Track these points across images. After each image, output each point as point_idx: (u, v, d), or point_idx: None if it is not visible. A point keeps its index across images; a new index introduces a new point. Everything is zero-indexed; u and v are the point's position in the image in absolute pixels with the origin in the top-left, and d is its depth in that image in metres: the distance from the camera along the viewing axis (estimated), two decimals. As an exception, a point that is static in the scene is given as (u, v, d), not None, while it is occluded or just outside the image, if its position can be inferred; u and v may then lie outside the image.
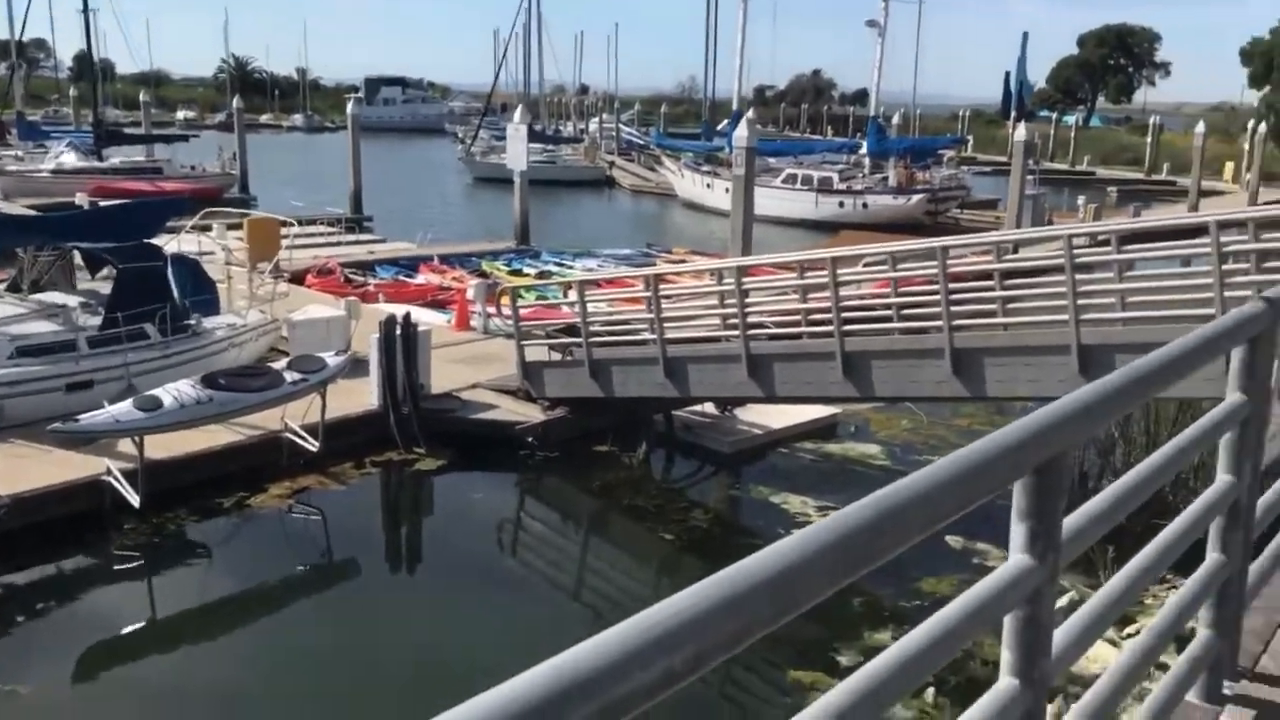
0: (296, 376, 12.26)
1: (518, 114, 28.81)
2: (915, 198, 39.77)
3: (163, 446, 11.86)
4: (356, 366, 14.58)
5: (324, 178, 42.61)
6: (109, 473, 11.17)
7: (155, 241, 16.03)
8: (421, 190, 50.35)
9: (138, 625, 10.13)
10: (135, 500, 10.94)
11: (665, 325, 13.14)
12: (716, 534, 11.75)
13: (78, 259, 16.00)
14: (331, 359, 12.82)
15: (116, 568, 10.90)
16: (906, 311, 11.82)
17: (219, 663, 9.71)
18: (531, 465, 13.63)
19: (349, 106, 35.08)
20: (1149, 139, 65.26)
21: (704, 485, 13.63)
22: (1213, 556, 2.85)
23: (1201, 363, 2.45)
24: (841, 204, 40.86)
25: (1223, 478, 2.81)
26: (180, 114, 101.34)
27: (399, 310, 20.35)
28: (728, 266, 12.58)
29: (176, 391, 11.28)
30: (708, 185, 45.22)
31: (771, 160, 47.13)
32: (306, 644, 9.88)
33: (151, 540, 11.05)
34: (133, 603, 10.48)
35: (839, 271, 11.63)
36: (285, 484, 12.50)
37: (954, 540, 11.24)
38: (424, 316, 19.90)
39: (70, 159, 39.51)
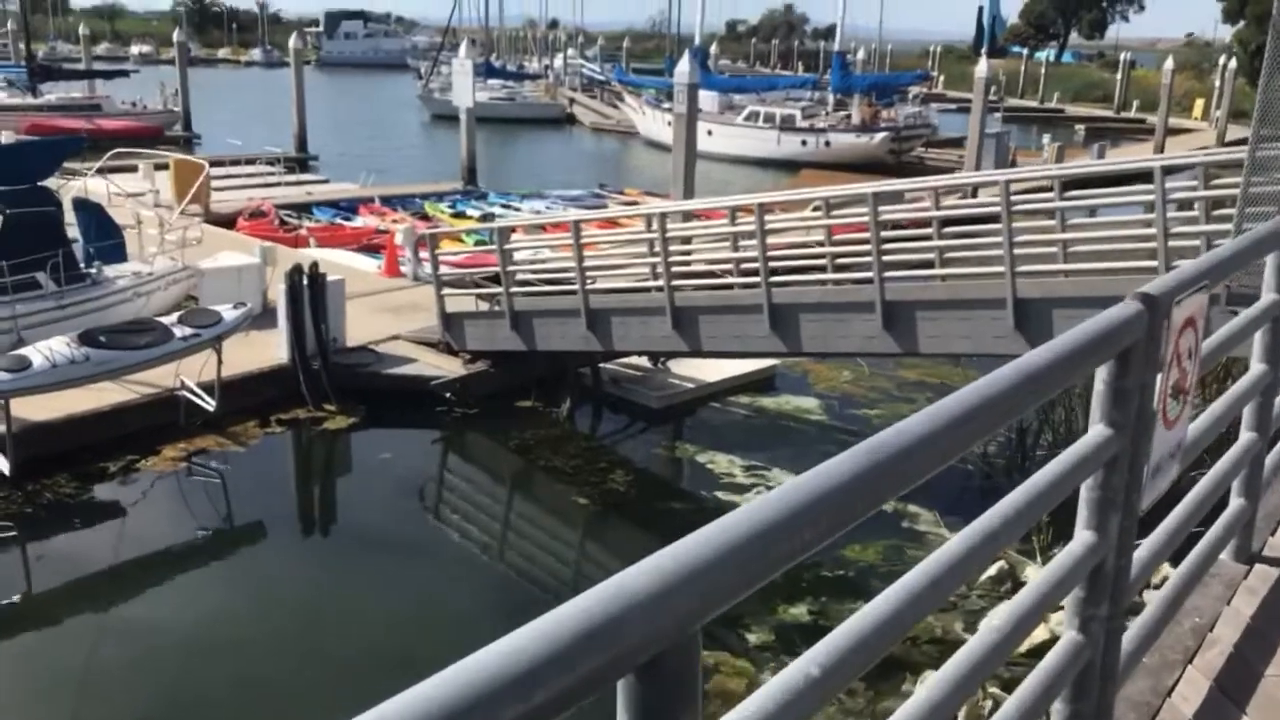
0: (188, 332, 11.41)
1: (463, 48, 27.62)
2: (878, 136, 38.85)
3: (44, 408, 11.04)
4: (268, 318, 13.77)
5: (276, 115, 41.06)
6: (-22, 438, 10.34)
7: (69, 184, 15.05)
8: (376, 128, 48.85)
9: (8, 601, 9.39)
10: (6, 467, 10.12)
11: (592, 275, 12.37)
12: (633, 497, 11.07)
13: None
14: (228, 312, 11.96)
15: (-12, 540, 10.13)
16: (840, 262, 11.11)
17: (105, 637, 9.05)
18: (449, 422, 12.90)
19: (291, 40, 33.56)
20: (1119, 75, 64.30)
21: (629, 443, 12.94)
22: (1069, 635, 2.15)
23: (1026, 404, 1.73)
24: (804, 142, 39.90)
25: (1082, 534, 2.10)
26: (135, 49, 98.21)
27: (331, 255, 19.59)
28: (652, 212, 11.77)
29: (49, 350, 10.43)
30: (669, 123, 44.01)
31: (736, 97, 46.09)
32: (203, 615, 9.19)
33: (24, 510, 10.26)
34: (6, 577, 9.73)
35: (768, 218, 10.87)
36: (180, 446, 11.72)
37: (887, 505, 10.65)
38: (353, 262, 19.05)
39: (1, 96, 37.82)
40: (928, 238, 10.55)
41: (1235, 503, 3.27)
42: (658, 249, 11.41)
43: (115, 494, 11.00)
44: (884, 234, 10.17)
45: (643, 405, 13.33)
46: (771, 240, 11.40)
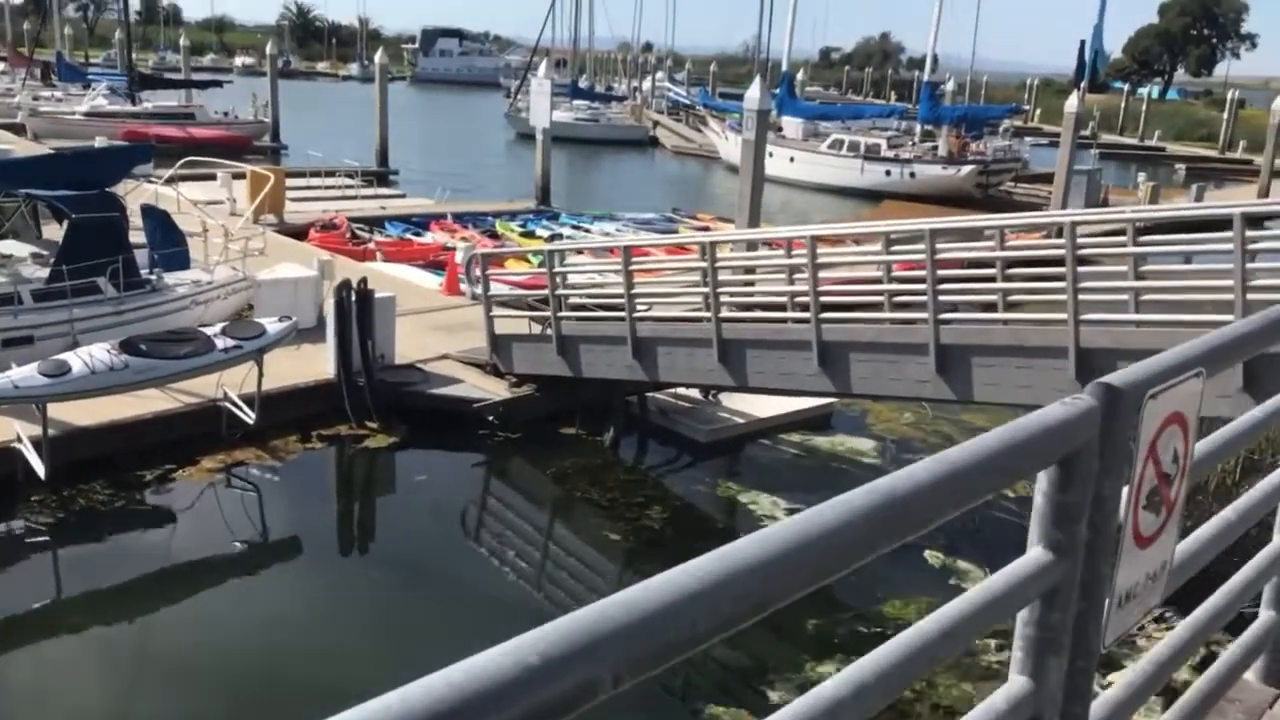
0: (230, 343, 11.38)
1: (542, 68, 27.63)
2: (965, 169, 37.91)
3: (86, 412, 11.09)
4: (322, 331, 13.72)
5: (364, 129, 41.73)
6: (18, 439, 10.39)
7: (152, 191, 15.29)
8: (461, 145, 49.38)
9: (37, 606, 9.36)
10: (41, 471, 10.15)
11: (645, 302, 12.07)
12: (668, 535, 10.66)
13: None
14: (272, 325, 11.91)
15: (21, 542, 10.13)
16: (898, 300, 10.58)
17: (127, 648, 9.00)
18: (491, 446, 12.66)
19: (378, 56, 34.17)
20: (1226, 114, 61.94)
21: (671, 477, 12.54)
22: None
23: (916, 525, 1.34)
24: (888, 172, 39.15)
25: (1014, 680, 1.68)
26: (239, 60, 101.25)
27: (395, 270, 19.64)
28: (703, 241, 11.41)
29: (88, 356, 10.46)
30: (751, 148, 43.64)
31: (821, 125, 45.58)
32: (231, 628, 9.08)
33: (57, 515, 10.27)
34: (34, 583, 9.71)
35: (822, 251, 10.43)
36: (219, 457, 11.68)
37: (931, 555, 10.09)
38: (416, 278, 19.06)
39: (102, 102, 39.15)
40: (992, 279, 10.00)
41: (1265, 615, 2.77)
42: (708, 278, 11.05)
43: (151, 503, 10.97)
44: (942, 273, 9.67)
45: (689, 438, 12.93)
46: (826, 275, 10.97)
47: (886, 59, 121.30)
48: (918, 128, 42.03)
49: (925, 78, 43.33)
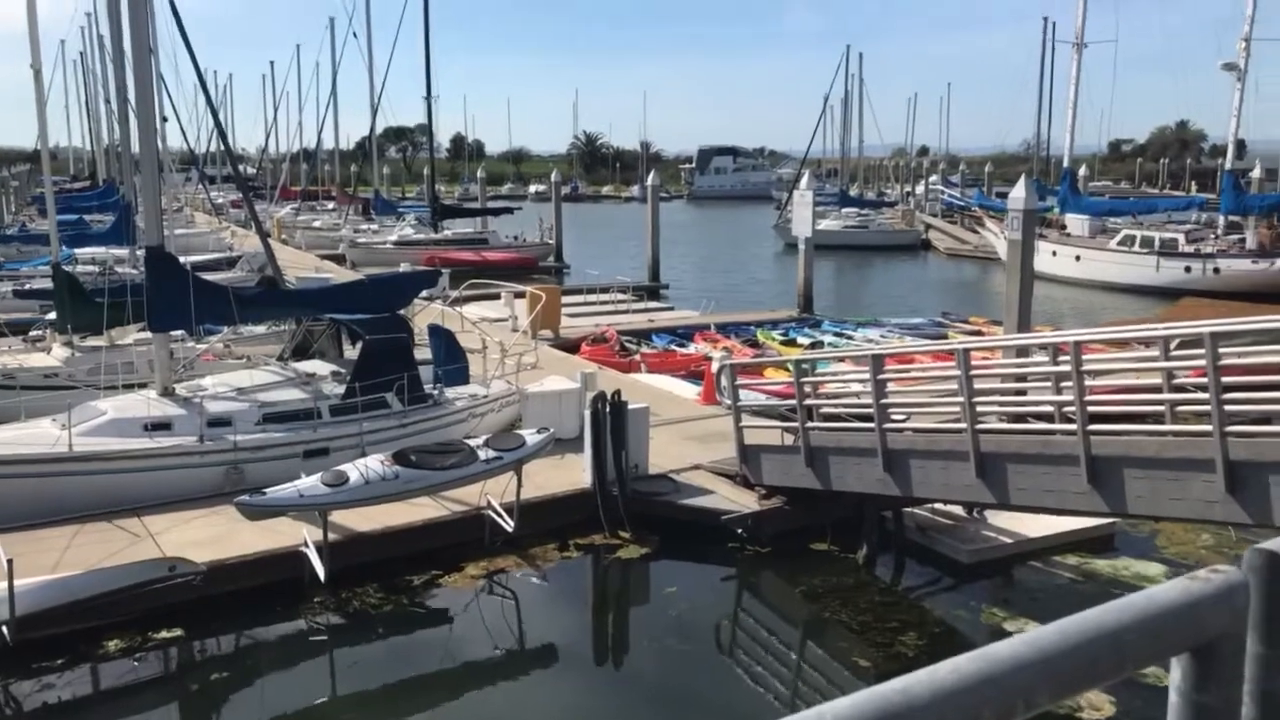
0: (491, 455, 11.97)
1: (804, 180, 27.91)
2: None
3: (364, 519, 11.93)
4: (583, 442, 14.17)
5: (639, 246, 43.78)
6: (305, 544, 11.31)
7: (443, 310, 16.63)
8: (730, 257, 50.50)
9: (317, 702, 10.01)
10: (322, 573, 10.97)
11: (901, 412, 11.63)
12: (923, 664, 9.88)
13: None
14: (531, 437, 12.43)
15: (305, 640, 10.93)
16: (1182, 410, 9.60)
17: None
18: (741, 560, 12.47)
19: (650, 178, 35.88)
20: None
21: (929, 600, 11.79)
22: None
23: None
24: (1188, 268, 36.20)
25: None
26: (532, 188, 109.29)
27: (656, 381, 20.10)
28: (956, 347, 10.87)
29: (364, 467, 11.30)
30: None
31: (1110, 221, 43.16)
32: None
33: (334, 616, 11.02)
34: (313, 680, 10.40)
35: (1089, 358, 9.66)
36: (482, 564, 12.18)
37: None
38: (675, 388, 19.38)
39: (409, 231, 43.27)
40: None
41: None
42: (963, 387, 10.50)
43: (418, 607, 11.55)
44: (1232, 380, 8.67)
45: (950, 558, 12.17)
46: (1097, 383, 10.15)
47: (1185, 148, 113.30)
48: (1221, 220, 38.77)
49: (1228, 165, 40.04)
